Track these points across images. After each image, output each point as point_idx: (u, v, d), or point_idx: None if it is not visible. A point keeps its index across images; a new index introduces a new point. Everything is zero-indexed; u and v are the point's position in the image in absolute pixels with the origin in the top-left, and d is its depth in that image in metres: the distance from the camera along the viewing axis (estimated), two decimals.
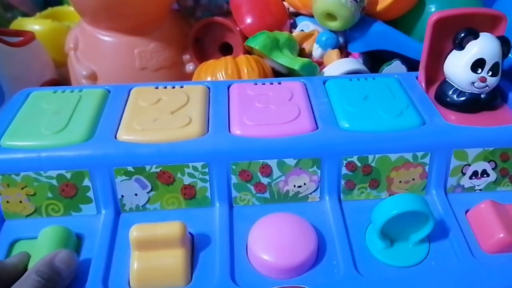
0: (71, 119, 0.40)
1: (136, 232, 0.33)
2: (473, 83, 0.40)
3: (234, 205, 0.39)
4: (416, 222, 0.35)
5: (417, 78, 0.46)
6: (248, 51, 0.57)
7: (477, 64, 0.40)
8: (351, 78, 0.46)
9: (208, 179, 0.38)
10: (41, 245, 0.34)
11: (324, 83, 0.46)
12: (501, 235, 0.35)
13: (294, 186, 0.39)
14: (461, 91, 0.41)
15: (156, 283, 0.33)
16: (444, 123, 0.40)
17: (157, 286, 0.33)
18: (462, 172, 0.40)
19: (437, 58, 0.44)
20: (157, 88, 0.44)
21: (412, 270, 0.35)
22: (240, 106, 0.41)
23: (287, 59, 0.52)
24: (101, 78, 0.56)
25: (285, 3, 0.63)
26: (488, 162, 0.40)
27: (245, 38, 0.57)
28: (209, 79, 0.51)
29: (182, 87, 0.44)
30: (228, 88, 0.45)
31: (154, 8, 0.55)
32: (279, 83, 0.45)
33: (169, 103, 0.42)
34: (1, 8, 0.66)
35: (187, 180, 0.38)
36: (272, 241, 0.34)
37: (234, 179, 0.38)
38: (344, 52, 0.58)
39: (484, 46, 0.40)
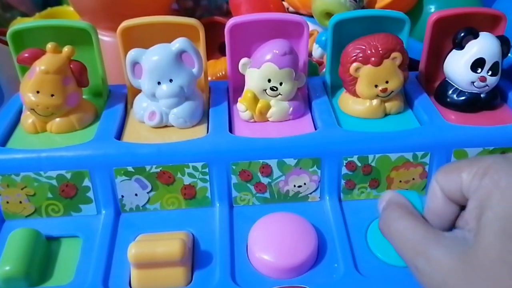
0: None
1: (134, 249, 0.32)
2: (473, 82, 0.40)
3: (234, 205, 0.39)
4: None
5: (417, 78, 0.46)
6: None
7: (477, 64, 0.40)
8: None
9: (208, 179, 0.38)
10: (9, 248, 0.34)
11: (324, 83, 0.45)
12: None
13: (294, 186, 0.39)
14: (461, 91, 0.41)
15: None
16: (444, 122, 0.40)
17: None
18: None
19: (437, 58, 0.44)
20: None
21: None
22: None
23: None
24: None
25: (285, 3, 0.63)
26: None
27: None
28: (209, 79, 0.51)
29: None
30: (228, 88, 0.45)
31: (153, 8, 0.55)
32: None
33: None
34: (0, 8, 0.66)
35: (187, 180, 0.38)
36: (272, 241, 0.34)
37: (234, 179, 0.38)
38: None
39: (484, 45, 0.40)
